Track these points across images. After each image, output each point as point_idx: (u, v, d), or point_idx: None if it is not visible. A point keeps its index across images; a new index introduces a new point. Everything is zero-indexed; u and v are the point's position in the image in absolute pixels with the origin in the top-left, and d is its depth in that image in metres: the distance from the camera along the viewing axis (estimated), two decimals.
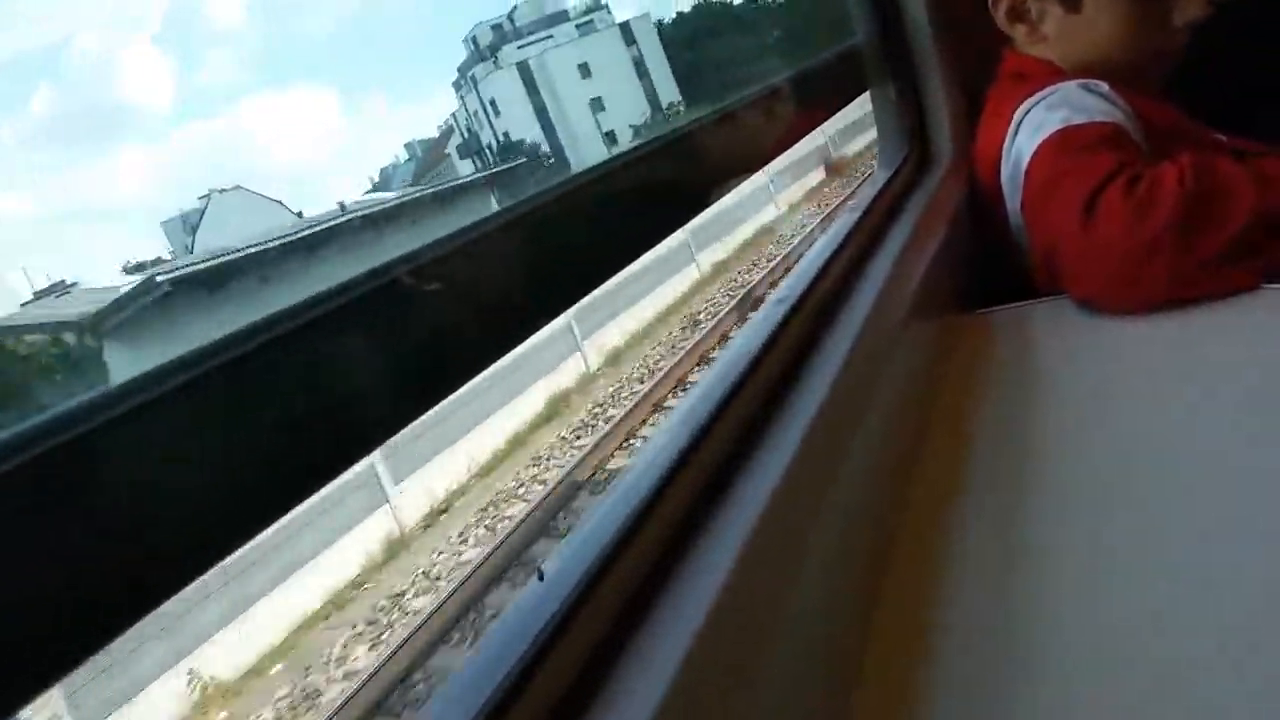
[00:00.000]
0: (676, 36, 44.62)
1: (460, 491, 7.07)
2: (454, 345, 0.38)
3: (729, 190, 0.69)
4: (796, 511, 0.46)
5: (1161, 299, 0.79)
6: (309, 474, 0.29)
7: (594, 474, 5.97)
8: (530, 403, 7.95)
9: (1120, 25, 1.02)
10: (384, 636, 5.26)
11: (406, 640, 4.65)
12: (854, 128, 13.53)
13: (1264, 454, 0.57)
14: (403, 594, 5.73)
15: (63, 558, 0.23)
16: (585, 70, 42.43)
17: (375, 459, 6.46)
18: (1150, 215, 0.79)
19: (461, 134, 46.03)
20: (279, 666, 5.57)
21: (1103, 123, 0.90)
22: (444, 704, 0.34)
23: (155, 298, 8.80)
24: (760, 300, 7.71)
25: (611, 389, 7.94)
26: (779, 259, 9.58)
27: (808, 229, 10.93)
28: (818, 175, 14.18)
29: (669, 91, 41.91)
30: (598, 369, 8.77)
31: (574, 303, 0.45)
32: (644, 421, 6.49)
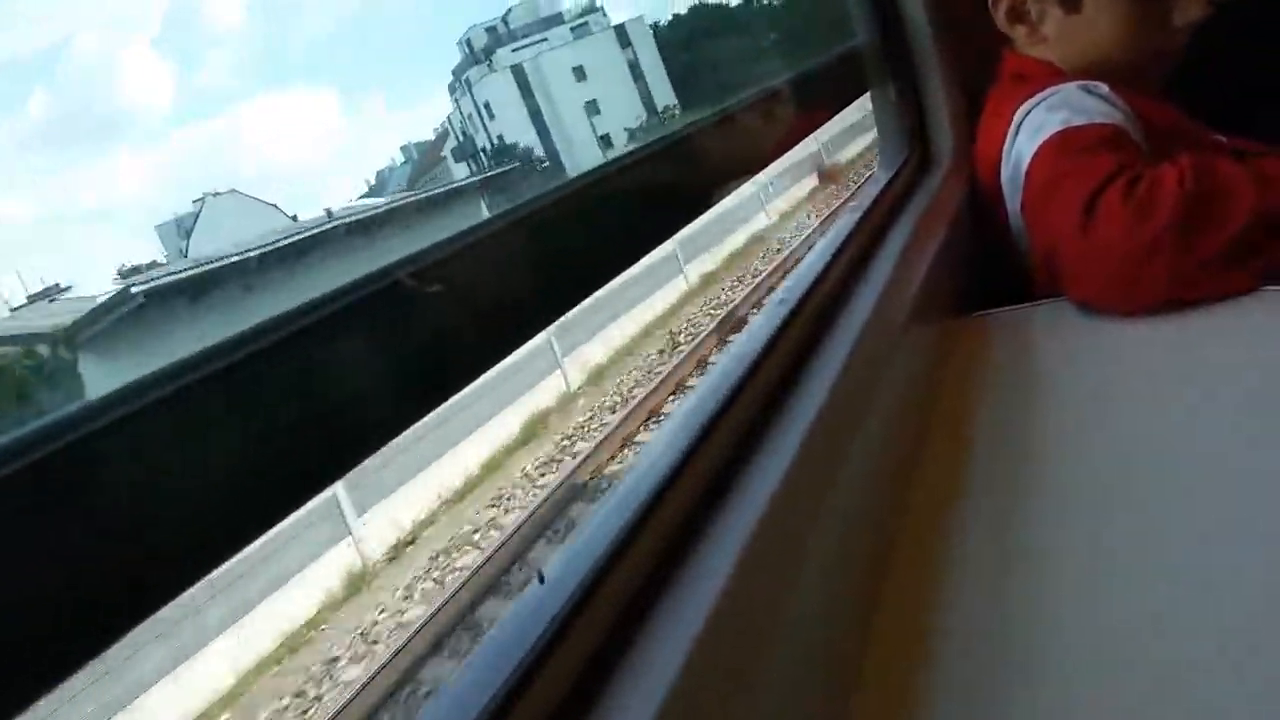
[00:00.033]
0: (672, 39, 44.55)
1: (427, 522, 6.62)
2: (453, 349, 0.38)
3: (729, 193, 0.69)
4: (796, 515, 0.46)
5: (1161, 300, 0.79)
6: (310, 477, 0.29)
7: (553, 519, 5.46)
8: (505, 425, 7.46)
9: (1120, 26, 1.02)
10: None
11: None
12: (848, 133, 13.48)
13: (1264, 456, 0.57)
14: (336, 659, 5.25)
15: (62, 560, 0.23)
16: (580, 73, 42.34)
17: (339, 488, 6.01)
18: (1150, 216, 0.79)
19: (456, 137, 45.97)
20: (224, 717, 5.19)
21: (1103, 124, 0.90)
22: (443, 706, 0.33)
23: (130, 309, 8.58)
24: (742, 323, 7.38)
25: (582, 418, 7.40)
26: (763, 275, 9.10)
27: (797, 241, 10.78)
28: (810, 182, 14.13)
29: (664, 95, 41.88)
30: (578, 388, 8.28)
31: (573, 306, 0.46)
32: (611, 458, 5.98)
